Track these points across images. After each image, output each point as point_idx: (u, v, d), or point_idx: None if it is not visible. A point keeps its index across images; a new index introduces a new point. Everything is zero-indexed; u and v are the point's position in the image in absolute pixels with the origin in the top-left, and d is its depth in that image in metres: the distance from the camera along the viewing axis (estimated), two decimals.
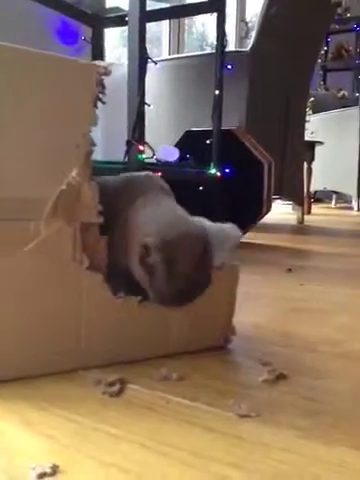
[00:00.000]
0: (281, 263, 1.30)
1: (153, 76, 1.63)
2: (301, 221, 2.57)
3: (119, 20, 1.64)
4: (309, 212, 3.29)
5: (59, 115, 0.51)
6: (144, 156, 1.20)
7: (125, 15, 1.24)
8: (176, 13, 1.93)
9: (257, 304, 0.88)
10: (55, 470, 0.35)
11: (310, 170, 3.05)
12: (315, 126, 3.54)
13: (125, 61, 1.21)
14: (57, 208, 0.50)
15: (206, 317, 0.59)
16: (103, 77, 0.52)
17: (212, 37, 2.27)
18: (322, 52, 4.86)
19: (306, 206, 2.99)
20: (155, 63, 1.25)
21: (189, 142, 1.66)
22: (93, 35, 1.71)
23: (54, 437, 0.40)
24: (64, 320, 0.52)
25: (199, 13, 1.85)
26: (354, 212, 3.80)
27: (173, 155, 1.49)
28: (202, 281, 0.52)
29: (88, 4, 1.65)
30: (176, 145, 1.63)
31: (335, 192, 4.29)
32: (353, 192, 3.84)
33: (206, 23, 4.20)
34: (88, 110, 0.51)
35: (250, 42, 1.87)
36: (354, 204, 3.93)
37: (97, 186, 0.52)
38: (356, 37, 5.16)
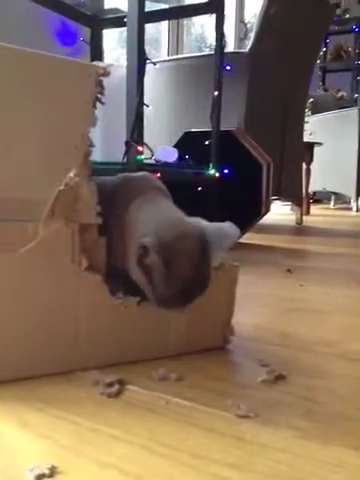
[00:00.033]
0: (280, 264, 1.30)
1: (152, 77, 1.63)
2: (300, 222, 2.58)
3: (118, 21, 1.64)
4: (308, 213, 3.30)
5: (58, 116, 0.51)
6: (143, 157, 1.20)
7: (124, 16, 1.24)
8: (175, 14, 1.93)
9: (256, 305, 0.88)
10: (53, 471, 0.35)
11: (309, 171, 3.05)
12: (314, 127, 3.54)
13: (124, 62, 1.21)
14: (55, 209, 0.50)
15: (205, 318, 0.59)
16: (102, 78, 0.52)
17: (211, 38, 2.27)
18: (321, 53, 4.87)
19: (305, 207, 2.99)
20: (154, 64, 1.25)
21: (188, 143, 1.66)
22: (92, 36, 1.71)
23: (52, 438, 0.40)
24: (62, 321, 0.52)
25: (198, 14, 1.85)
26: (353, 213, 3.81)
27: (172, 156, 1.49)
28: (201, 282, 0.52)
29: (87, 5, 1.65)
30: (175, 146, 1.63)
31: (334, 193, 4.30)
32: (352, 193, 3.85)
33: (205, 24, 4.21)
34: (87, 111, 0.51)
35: (249, 43, 1.87)
36: (353, 205, 3.94)
37: (96, 187, 0.52)
38: (355, 38, 5.18)
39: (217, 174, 1.52)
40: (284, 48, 1.99)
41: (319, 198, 4.68)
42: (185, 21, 3.73)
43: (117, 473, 0.35)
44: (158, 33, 3.60)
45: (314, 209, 3.79)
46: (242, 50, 1.91)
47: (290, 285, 1.06)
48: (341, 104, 4.63)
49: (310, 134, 3.32)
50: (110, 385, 0.49)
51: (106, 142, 1.59)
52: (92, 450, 0.38)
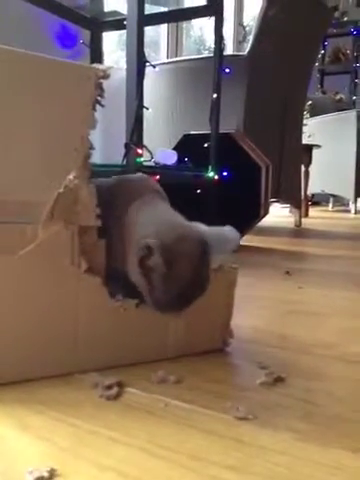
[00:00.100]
0: (279, 266, 1.30)
1: (151, 80, 1.64)
2: (298, 224, 2.58)
3: (117, 24, 1.64)
4: (306, 215, 3.30)
5: (58, 118, 0.51)
6: (142, 159, 1.20)
7: (123, 19, 1.25)
8: (174, 17, 1.94)
9: (255, 307, 0.88)
10: (52, 474, 0.35)
11: (307, 173, 3.06)
12: (312, 129, 3.55)
13: (123, 65, 1.21)
14: (55, 211, 0.50)
15: (204, 320, 0.59)
16: (102, 80, 0.52)
17: (210, 41, 2.28)
18: (319, 56, 4.89)
19: (303, 209, 2.99)
20: (153, 67, 1.25)
21: (187, 145, 1.67)
22: (92, 39, 1.71)
23: (51, 441, 0.40)
24: (62, 323, 0.52)
25: (197, 17, 1.86)
26: (351, 215, 3.81)
27: (171, 158, 1.50)
28: (199, 285, 0.52)
29: (87, 8, 1.66)
30: (174, 148, 1.63)
31: (332, 195, 4.30)
32: (350, 195, 3.85)
33: (204, 27, 4.22)
34: (86, 113, 0.51)
35: (248, 46, 1.88)
36: (351, 207, 3.95)
37: (95, 189, 0.52)
38: (353, 41, 5.20)
39: (216, 176, 1.52)
40: (283, 50, 2.00)
41: (318, 200, 4.69)
42: (184, 24, 3.73)
43: (116, 475, 0.36)
44: (157, 36, 3.61)
45: (313, 211, 3.80)
46: (241, 53, 1.92)
47: (289, 287, 1.06)
48: (339, 106, 4.65)
49: (309, 136, 3.33)
50: (109, 387, 0.49)
51: (106, 144, 1.59)
52: (91, 452, 0.38)
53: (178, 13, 1.82)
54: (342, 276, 1.25)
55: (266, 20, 1.84)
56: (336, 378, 0.55)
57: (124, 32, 1.19)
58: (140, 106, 1.17)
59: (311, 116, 3.89)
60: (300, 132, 2.47)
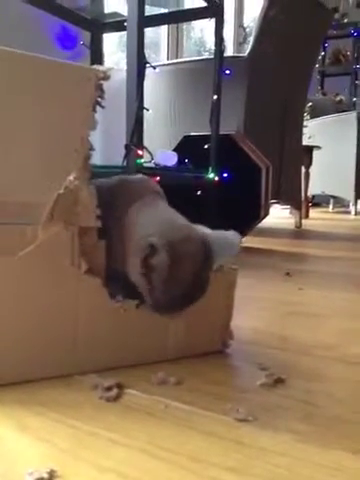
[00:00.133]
0: (279, 267, 1.30)
1: (152, 81, 1.64)
2: (299, 225, 2.58)
3: (118, 25, 1.64)
4: (307, 216, 3.30)
5: (58, 119, 0.51)
6: (142, 160, 1.20)
7: (124, 20, 1.25)
8: (174, 18, 1.94)
9: (255, 308, 0.88)
10: (52, 475, 0.35)
11: (308, 174, 3.06)
12: (313, 131, 3.55)
13: (124, 66, 1.21)
14: (55, 212, 0.50)
15: (204, 321, 0.59)
16: (102, 82, 0.52)
17: (210, 42, 2.28)
18: (319, 57, 4.90)
19: (304, 210, 3.00)
20: (154, 68, 1.25)
21: (188, 147, 1.67)
22: (92, 40, 1.72)
23: (51, 442, 0.40)
24: (62, 324, 0.52)
25: (197, 18, 1.86)
26: (351, 216, 3.81)
27: (171, 159, 1.50)
28: (200, 287, 0.52)
29: (87, 9, 1.66)
30: (175, 149, 1.63)
31: (333, 196, 4.31)
32: (350, 196, 3.86)
33: (204, 28, 4.22)
34: (87, 114, 0.51)
35: (248, 47, 1.88)
36: (351, 208, 3.95)
37: (95, 190, 0.52)
38: (353, 42, 5.21)
39: (216, 178, 1.52)
40: (283, 51, 2.00)
41: (318, 202, 4.69)
42: (184, 25, 3.74)
43: (116, 477, 0.35)
44: (158, 37, 3.61)
45: (313, 212, 3.80)
46: (241, 54, 1.92)
47: (289, 288, 1.06)
48: (340, 108, 4.65)
49: (309, 138, 3.33)
50: (109, 389, 0.49)
51: (106, 145, 1.59)
52: (91, 454, 0.38)
53: (178, 14, 1.82)
54: (342, 277, 1.25)
55: (267, 19, 1.84)
56: (336, 379, 0.55)
57: (124, 33, 1.19)
58: (140, 107, 1.17)
59: (311, 117, 3.90)
60: (300, 133, 2.48)
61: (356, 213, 3.87)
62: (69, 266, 0.51)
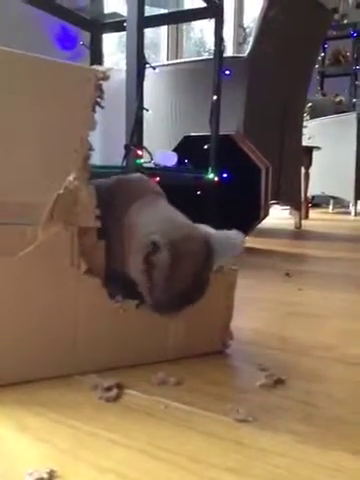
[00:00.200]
0: (279, 268, 1.30)
1: (151, 81, 1.64)
2: (299, 226, 2.58)
3: (117, 26, 1.64)
4: (306, 217, 3.30)
5: (57, 119, 0.51)
6: (142, 161, 1.20)
7: (123, 21, 1.25)
8: (174, 19, 1.94)
9: (255, 309, 0.88)
10: (52, 475, 0.35)
11: (308, 175, 3.06)
12: (312, 131, 3.56)
13: (123, 66, 1.21)
14: (54, 212, 0.50)
15: (204, 322, 0.59)
16: (101, 82, 0.52)
17: (210, 43, 2.28)
18: (319, 58, 4.90)
19: (304, 211, 3.00)
20: (153, 68, 1.25)
21: (187, 147, 1.67)
22: (91, 40, 1.72)
23: (51, 442, 0.40)
24: (61, 324, 0.52)
25: (197, 19, 1.86)
26: (351, 217, 3.81)
27: (171, 160, 1.50)
28: (200, 287, 0.52)
29: (87, 10, 1.66)
30: (174, 150, 1.63)
31: (332, 197, 4.31)
32: (350, 197, 3.86)
33: (204, 29, 4.22)
34: (86, 115, 0.51)
35: (248, 47, 1.88)
36: (351, 209, 3.95)
37: (95, 190, 0.52)
38: (353, 43, 5.21)
39: (216, 178, 1.52)
40: (283, 52, 2.00)
41: (318, 202, 4.69)
42: (184, 26, 3.74)
43: (115, 477, 0.35)
44: (157, 37, 3.61)
45: (313, 213, 3.80)
46: (241, 55, 1.92)
47: (289, 289, 1.06)
48: (339, 109, 4.66)
49: (309, 138, 3.33)
50: (108, 389, 0.49)
51: (105, 146, 1.59)
52: (91, 454, 0.38)
53: (178, 15, 1.82)
54: (342, 278, 1.25)
55: (267, 19, 1.84)
56: (336, 380, 0.55)
57: (124, 34, 1.19)
58: (140, 108, 1.17)
59: (311, 118, 3.90)
60: (300, 134, 2.48)
61: (356, 214, 3.87)
62: (69, 266, 0.51)
